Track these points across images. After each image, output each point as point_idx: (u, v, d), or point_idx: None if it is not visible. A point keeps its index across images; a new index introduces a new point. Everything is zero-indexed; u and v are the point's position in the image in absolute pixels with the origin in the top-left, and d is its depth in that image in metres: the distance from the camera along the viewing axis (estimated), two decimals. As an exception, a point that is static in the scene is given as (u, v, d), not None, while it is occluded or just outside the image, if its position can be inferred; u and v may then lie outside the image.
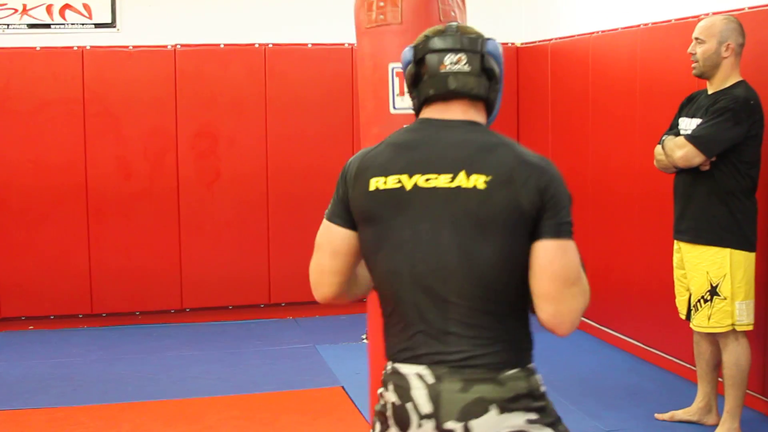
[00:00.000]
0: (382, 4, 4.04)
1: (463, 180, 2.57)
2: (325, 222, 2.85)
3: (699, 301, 5.36)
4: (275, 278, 8.60)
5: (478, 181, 2.55)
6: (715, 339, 5.47)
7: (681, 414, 5.72)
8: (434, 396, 2.56)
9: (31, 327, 8.37)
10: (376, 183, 2.66)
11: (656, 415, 5.77)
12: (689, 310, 5.50)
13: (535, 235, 2.54)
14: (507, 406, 2.55)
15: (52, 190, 8.23)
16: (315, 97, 8.57)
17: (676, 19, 6.60)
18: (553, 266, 2.53)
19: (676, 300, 5.65)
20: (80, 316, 8.40)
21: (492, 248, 2.54)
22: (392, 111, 3.93)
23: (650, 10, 7.03)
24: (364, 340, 7.73)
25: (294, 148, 8.53)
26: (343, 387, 6.55)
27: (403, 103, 3.91)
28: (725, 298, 5.27)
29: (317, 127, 8.57)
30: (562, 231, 2.55)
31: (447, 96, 2.69)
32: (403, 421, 2.61)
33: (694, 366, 5.77)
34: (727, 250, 5.28)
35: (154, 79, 8.34)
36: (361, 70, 4.27)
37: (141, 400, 6.41)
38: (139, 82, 8.31)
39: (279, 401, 6.33)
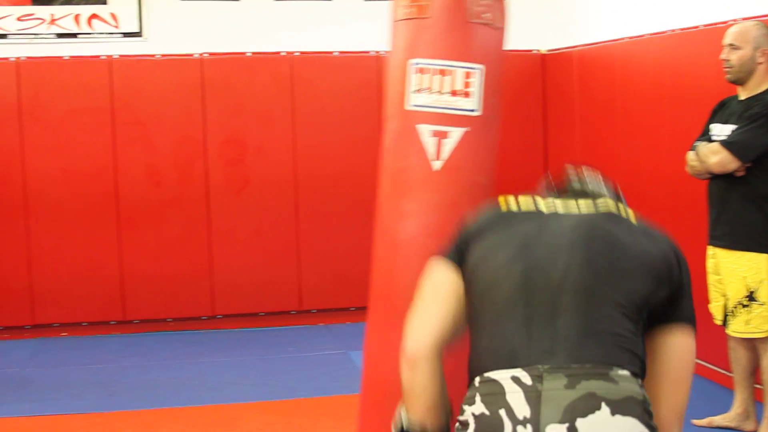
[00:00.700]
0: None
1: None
2: (433, 266, 2.64)
3: (736, 306, 5.37)
4: (306, 285, 8.66)
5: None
6: (752, 344, 5.47)
7: (719, 420, 5.72)
8: (533, 398, 2.29)
9: (65, 333, 8.44)
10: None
11: (693, 421, 5.78)
12: (726, 316, 5.51)
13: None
14: (621, 408, 2.29)
15: (82, 197, 8.31)
16: (342, 105, 8.62)
17: (704, 25, 6.60)
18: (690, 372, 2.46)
19: (711, 306, 5.64)
20: (113, 322, 8.47)
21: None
22: (407, 107, 3.81)
23: (678, 16, 7.05)
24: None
25: (321, 156, 8.59)
26: (377, 393, 6.57)
27: (420, 100, 3.79)
28: (763, 303, 5.28)
29: (344, 135, 8.62)
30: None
31: None
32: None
33: (730, 372, 5.76)
34: (764, 255, 5.28)
35: (182, 88, 8.41)
36: (387, 63, 4.16)
37: (177, 406, 6.44)
38: (167, 90, 8.39)
39: (314, 407, 6.35)
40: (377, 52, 8.56)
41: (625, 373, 2.34)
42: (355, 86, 8.65)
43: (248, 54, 8.50)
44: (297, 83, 8.52)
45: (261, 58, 8.52)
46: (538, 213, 2.61)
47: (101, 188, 8.32)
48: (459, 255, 2.58)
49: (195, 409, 6.37)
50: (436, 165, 3.68)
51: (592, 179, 2.77)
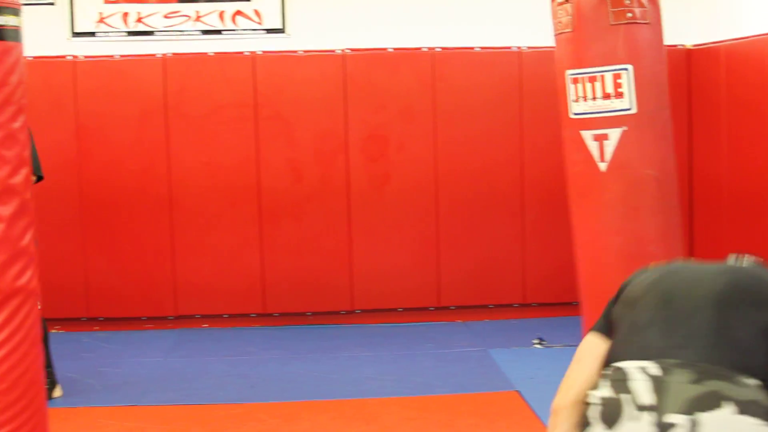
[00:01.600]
0: (561, 12, 4.04)
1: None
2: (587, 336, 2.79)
3: None
4: (445, 281, 8.63)
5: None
6: None
7: None
8: (658, 387, 2.35)
9: (206, 325, 8.58)
10: None
11: None
12: None
13: None
14: (745, 408, 2.29)
15: (225, 191, 8.43)
16: (483, 100, 8.55)
17: None
18: None
19: None
20: (253, 315, 8.58)
21: None
22: (570, 116, 3.96)
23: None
24: (536, 345, 7.69)
25: (462, 152, 8.54)
26: (518, 391, 6.49)
27: (579, 108, 3.92)
28: None
29: (485, 131, 8.56)
30: None
31: None
32: (611, 414, 2.41)
33: None
34: None
35: (324, 84, 8.46)
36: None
37: (317, 399, 6.50)
38: (309, 86, 8.45)
39: (454, 404, 6.32)
40: (519, 47, 8.50)
41: (754, 382, 2.35)
42: (496, 82, 8.57)
43: (390, 50, 8.50)
44: (438, 79, 8.49)
45: (402, 53, 8.51)
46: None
47: (243, 183, 8.44)
48: (608, 326, 2.73)
49: (335, 402, 6.41)
50: (602, 166, 3.78)
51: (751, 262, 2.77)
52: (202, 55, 8.42)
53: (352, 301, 8.62)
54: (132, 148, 8.39)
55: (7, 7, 3.40)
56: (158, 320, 8.57)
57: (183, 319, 8.59)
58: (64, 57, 8.30)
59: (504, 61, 8.58)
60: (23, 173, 3.47)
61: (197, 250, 8.50)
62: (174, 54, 8.42)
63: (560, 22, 3.99)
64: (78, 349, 7.85)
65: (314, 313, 8.60)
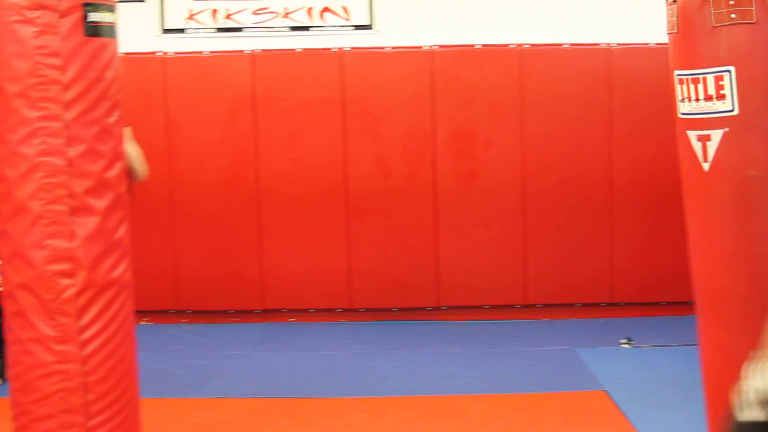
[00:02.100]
0: (669, 12, 4.05)
1: None
2: None
3: None
4: (531, 278, 8.58)
5: None
6: None
7: None
8: None
9: (292, 319, 8.64)
10: None
11: None
12: None
13: None
14: None
15: (313, 187, 8.47)
16: (571, 97, 8.48)
17: None
18: None
19: None
20: (339, 310, 8.61)
21: None
22: (678, 116, 3.96)
23: None
24: (624, 345, 7.60)
25: (549, 149, 8.48)
26: (606, 391, 6.42)
27: (685, 108, 3.92)
28: None
29: (573, 128, 8.48)
30: None
31: None
32: None
33: None
34: None
35: (412, 80, 8.45)
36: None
37: (404, 394, 6.49)
38: (397, 82, 8.45)
39: (541, 402, 6.27)
40: (608, 44, 8.41)
41: None
42: (584, 79, 8.49)
43: (477, 46, 8.47)
44: (526, 75, 8.43)
45: (490, 50, 8.47)
46: None
47: (331, 179, 8.47)
48: None
49: (421, 398, 6.40)
50: (705, 167, 3.79)
51: None
52: (290, 52, 8.47)
53: (438, 298, 8.61)
54: (220, 144, 8.47)
55: (104, 5, 3.46)
56: (245, 314, 8.65)
57: (270, 313, 8.66)
58: (154, 53, 8.42)
59: (592, 57, 8.49)
60: (118, 167, 3.53)
61: (284, 245, 8.56)
62: (262, 50, 8.48)
63: (669, 22, 4.00)
64: (166, 341, 7.96)
65: (400, 309, 8.61)
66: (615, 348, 7.61)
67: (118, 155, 3.53)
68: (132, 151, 5.82)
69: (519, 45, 8.44)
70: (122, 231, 3.57)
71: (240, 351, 7.68)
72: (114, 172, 3.50)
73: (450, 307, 8.64)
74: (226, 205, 8.53)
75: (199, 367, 7.18)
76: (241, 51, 8.48)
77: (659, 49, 8.26)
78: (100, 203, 3.45)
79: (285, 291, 8.61)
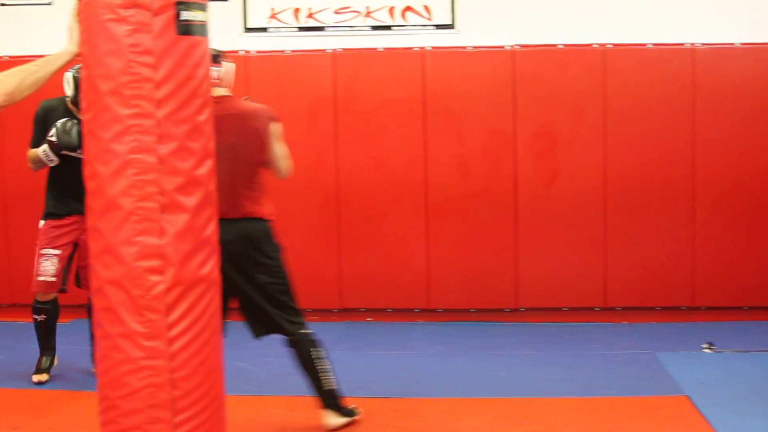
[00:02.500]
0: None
1: None
2: None
3: None
4: (611, 282, 8.49)
5: None
6: None
7: None
8: None
9: (370, 318, 8.64)
10: None
11: None
12: None
13: None
14: None
15: (392, 187, 8.47)
16: (655, 98, 8.37)
17: None
18: None
19: None
20: (416, 310, 8.59)
21: None
22: None
23: None
24: (706, 350, 7.49)
25: (632, 150, 8.38)
26: (688, 396, 6.31)
27: None
28: None
29: (656, 129, 8.37)
30: None
31: None
32: None
33: None
34: None
35: (493, 80, 8.41)
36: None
37: (483, 396, 6.44)
38: (478, 82, 8.42)
39: (622, 406, 6.18)
40: (692, 44, 8.29)
41: None
42: (668, 79, 8.37)
43: (560, 46, 8.40)
44: (609, 76, 8.34)
45: (573, 50, 8.39)
46: None
47: (410, 178, 8.46)
48: None
49: (501, 400, 6.34)
50: None
51: None
52: (371, 51, 8.48)
53: (516, 299, 8.56)
54: (301, 143, 8.48)
55: (195, 3, 3.48)
56: (323, 313, 8.67)
57: (348, 312, 8.67)
58: (236, 52, 8.45)
59: (677, 57, 8.37)
60: (208, 165, 3.54)
61: (364, 245, 8.57)
62: (344, 49, 8.50)
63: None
64: (246, 338, 7.97)
65: (478, 310, 8.58)
66: (697, 352, 7.48)
67: (208, 153, 3.54)
68: (278, 149, 5.82)
69: (602, 45, 8.36)
70: (211, 228, 3.59)
71: (318, 350, 7.70)
72: (204, 169, 3.51)
73: (529, 309, 8.58)
74: (306, 204, 8.56)
75: (278, 365, 7.18)
76: (323, 50, 8.51)
77: (744, 50, 8.18)
78: (190, 201, 3.46)
79: (363, 290, 8.62)
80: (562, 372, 7.03)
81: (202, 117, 3.50)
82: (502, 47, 8.40)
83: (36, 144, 6.44)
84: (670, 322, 8.45)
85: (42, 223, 6.54)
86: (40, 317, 6.48)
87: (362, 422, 5.90)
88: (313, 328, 8.33)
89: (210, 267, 3.59)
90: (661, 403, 6.26)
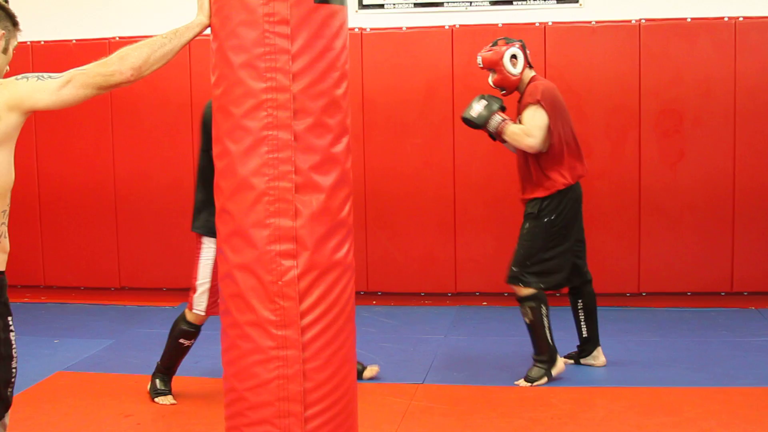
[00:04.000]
0: None
1: None
2: None
3: None
4: (738, 266, 8.14)
5: None
6: None
7: None
8: None
9: (485, 303, 8.42)
10: None
11: None
12: None
13: None
14: None
15: (509, 168, 8.16)
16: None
17: None
18: None
19: None
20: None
21: None
22: None
23: None
24: None
25: (764, 128, 8.00)
26: (839, 387, 5.99)
27: None
28: None
29: (790, 105, 7.99)
30: None
31: None
32: None
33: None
34: None
35: (617, 56, 8.11)
36: None
37: (611, 385, 6.20)
38: (602, 58, 8.12)
39: (760, 398, 5.86)
40: (833, 14, 7.89)
41: None
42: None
43: (688, 20, 8.03)
44: (740, 50, 7.96)
45: (702, 23, 8.02)
46: None
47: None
48: None
49: (630, 389, 6.07)
50: None
51: None
52: (491, 27, 8.19)
53: (638, 284, 8.26)
54: (417, 122, 8.29)
55: (333, -30, 3.26)
56: (437, 296, 8.47)
57: (462, 296, 8.46)
58: (352, 29, 8.25)
59: (814, 30, 7.98)
60: (345, 141, 3.33)
61: (479, 227, 8.34)
62: (461, 25, 8.25)
63: None
64: (358, 323, 7.81)
65: (599, 294, 8.24)
66: (831, 339, 7.16)
67: (345, 129, 3.32)
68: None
69: (732, 18, 7.96)
70: (347, 210, 3.37)
71: (434, 335, 7.51)
72: (341, 147, 3.30)
73: (651, 294, 8.28)
74: (421, 186, 8.35)
75: (393, 351, 7.03)
76: (441, 26, 8.26)
77: None
78: (326, 180, 3.25)
79: (477, 274, 8.39)
80: (691, 359, 6.74)
81: (340, 91, 3.28)
82: (629, 21, 8.07)
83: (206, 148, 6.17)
84: (802, 309, 8.12)
85: (206, 240, 5.73)
86: (189, 342, 6.10)
87: (487, 411, 5.68)
88: (428, 312, 8.25)
89: (345, 250, 3.38)
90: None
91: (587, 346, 6.63)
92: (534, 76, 6.44)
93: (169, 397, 5.91)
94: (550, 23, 8.15)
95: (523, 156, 6.40)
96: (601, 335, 7.00)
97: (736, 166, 8.03)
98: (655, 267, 8.21)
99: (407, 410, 5.70)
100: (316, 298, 3.29)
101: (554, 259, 6.32)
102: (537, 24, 8.16)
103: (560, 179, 6.29)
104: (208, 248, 5.62)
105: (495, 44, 6.44)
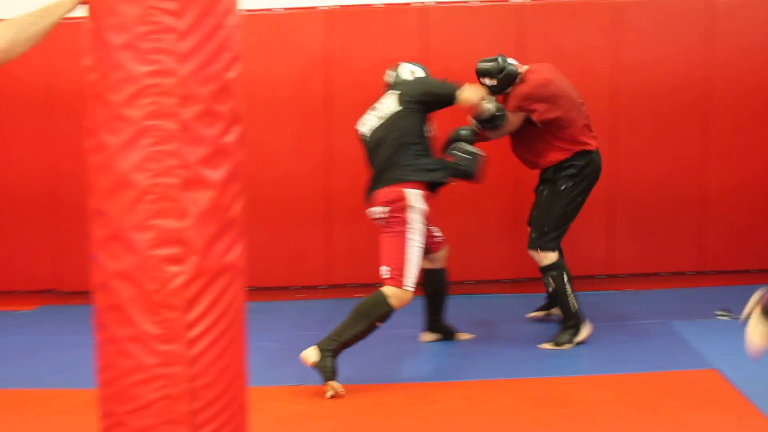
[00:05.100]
0: None
1: None
2: None
3: None
4: (620, 247, 8.06)
5: None
6: None
7: None
8: None
9: (358, 295, 8.12)
10: None
11: None
12: None
13: None
14: None
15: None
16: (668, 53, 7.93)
17: None
18: None
19: None
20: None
21: None
22: None
23: None
24: (721, 317, 7.10)
25: (644, 106, 7.98)
26: (717, 370, 5.88)
27: None
28: None
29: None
30: None
31: None
32: None
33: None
34: None
35: (500, 36, 7.91)
36: None
37: (500, 377, 5.97)
38: (484, 38, 7.88)
39: (650, 383, 5.72)
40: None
41: None
42: (682, 31, 7.93)
43: (566, -1, 7.90)
44: (621, 31, 7.87)
45: (584, 3, 7.92)
46: None
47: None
48: None
49: (520, 381, 5.86)
50: None
51: None
52: (367, 7, 7.93)
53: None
54: (291, 107, 7.97)
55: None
56: (309, 289, 8.18)
57: (335, 289, 8.20)
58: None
59: (690, 10, 7.93)
60: (236, 131, 2.96)
61: (351, 218, 8.03)
62: (338, 6, 7.93)
63: None
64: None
65: (473, 282, 8.11)
66: (712, 320, 7.12)
67: (237, 117, 2.95)
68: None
69: (610, -1, 7.86)
70: (238, 207, 3.01)
71: (310, 331, 7.16)
72: (232, 137, 2.92)
73: (526, 279, 8.15)
74: (292, 176, 8.08)
75: (271, 350, 6.70)
76: (314, 7, 7.93)
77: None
78: (216, 174, 2.88)
79: (351, 265, 8.13)
80: (577, 347, 6.57)
81: (232, 74, 2.91)
82: (509, 1, 7.86)
83: None
84: (678, 288, 8.14)
85: None
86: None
87: (372, 413, 5.40)
88: (300, 306, 7.93)
89: (237, 252, 3.01)
90: (691, 378, 5.83)
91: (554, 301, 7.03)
92: (524, 73, 6.67)
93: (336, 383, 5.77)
94: (430, 3, 7.87)
95: (532, 133, 6.63)
96: (473, 325, 7.03)
97: (620, 148, 7.93)
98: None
99: (287, 415, 5.38)
100: (205, 307, 2.93)
101: (567, 224, 6.68)
102: (416, 4, 7.88)
103: (573, 147, 6.57)
104: None
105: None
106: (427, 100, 6.01)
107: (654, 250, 8.10)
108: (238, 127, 2.97)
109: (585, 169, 6.60)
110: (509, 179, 7.92)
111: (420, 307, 6.72)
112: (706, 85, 7.88)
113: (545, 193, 6.66)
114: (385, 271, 5.82)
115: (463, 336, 6.78)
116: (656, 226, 8.05)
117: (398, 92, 6.08)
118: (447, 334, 6.75)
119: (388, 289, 5.78)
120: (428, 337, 6.72)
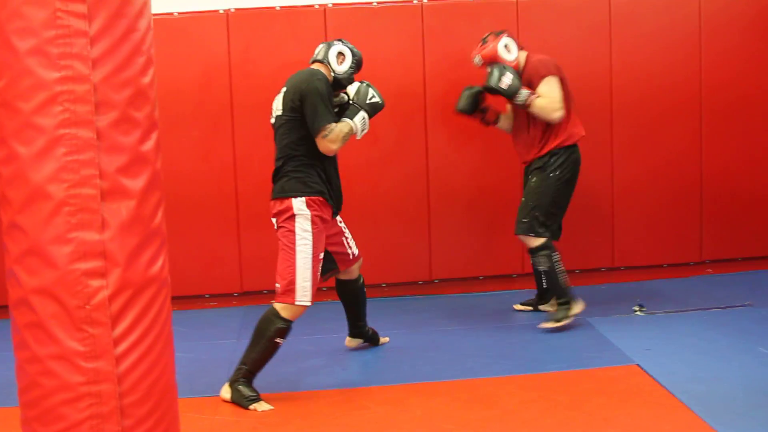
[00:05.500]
0: None
1: None
2: None
3: None
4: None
5: None
6: None
7: None
8: None
9: (272, 301, 8.02)
10: None
11: None
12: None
13: None
14: None
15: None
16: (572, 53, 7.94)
17: None
18: None
19: None
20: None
21: None
22: None
23: None
24: (638, 312, 7.15)
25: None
26: (638, 365, 5.91)
27: None
28: None
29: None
30: None
31: None
32: None
33: None
34: None
35: (402, 37, 7.87)
36: None
37: (425, 380, 5.92)
38: (385, 40, 7.86)
39: (574, 381, 5.73)
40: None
41: None
42: (585, 29, 7.99)
43: (468, -2, 7.88)
44: (523, 28, 7.84)
45: (484, 3, 7.88)
46: None
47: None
48: None
49: (445, 384, 5.83)
50: None
51: None
52: (268, 10, 7.79)
53: (430, 271, 8.09)
54: (193, 114, 7.82)
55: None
56: (222, 297, 8.05)
57: (248, 296, 8.07)
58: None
59: (593, 6, 8.01)
60: (154, 138, 2.86)
61: (262, 223, 7.78)
62: (237, 9, 7.80)
63: None
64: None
65: (392, 284, 8.06)
66: (629, 316, 7.16)
67: (154, 123, 2.84)
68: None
69: (512, -4, 7.86)
70: (159, 216, 2.90)
71: (225, 339, 7.03)
72: (150, 144, 2.82)
73: (442, 280, 8.13)
74: (201, 182, 7.90)
75: (188, 361, 6.54)
76: (215, 10, 7.78)
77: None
78: (136, 183, 2.78)
79: (264, 272, 7.80)
80: (498, 347, 6.56)
81: (146, 79, 2.81)
82: (410, 2, 7.81)
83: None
84: (598, 285, 8.17)
85: None
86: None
87: (298, 421, 5.31)
88: (213, 314, 7.78)
89: (160, 264, 2.91)
90: (613, 374, 5.87)
91: (547, 294, 7.30)
92: (528, 54, 6.88)
93: (262, 402, 5.57)
94: (330, 5, 7.79)
95: (527, 121, 6.87)
96: (395, 327, 7.02)
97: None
98: (444, 253, 8.05)
99: (211, 427, 5.26)
100: (131, 321, 2.82)
101: (558, 212, 6.95)
102: (317, 6, 7.79)
103: (565, 138, 6.80)
104: None
105: (485, 41, 6.88)
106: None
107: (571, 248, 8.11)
108: (155, 134, 2.87)
109: (572, 155, 6.85)
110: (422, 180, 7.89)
111: (340, 312, 6.63)
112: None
113: (534, 180, 6.86)
114: (276, 287, 5.67)
115: (385, 340, 6.72)
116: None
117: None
118: (370, 339, 6.65)
119: (278, 306, 5.63)
120: (352, 343, 6.62)
